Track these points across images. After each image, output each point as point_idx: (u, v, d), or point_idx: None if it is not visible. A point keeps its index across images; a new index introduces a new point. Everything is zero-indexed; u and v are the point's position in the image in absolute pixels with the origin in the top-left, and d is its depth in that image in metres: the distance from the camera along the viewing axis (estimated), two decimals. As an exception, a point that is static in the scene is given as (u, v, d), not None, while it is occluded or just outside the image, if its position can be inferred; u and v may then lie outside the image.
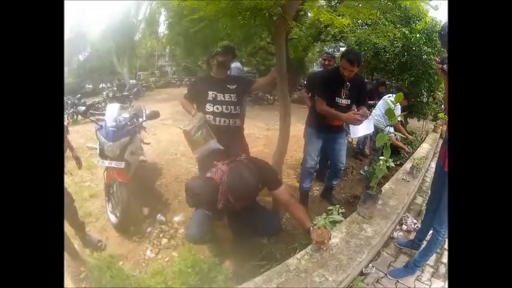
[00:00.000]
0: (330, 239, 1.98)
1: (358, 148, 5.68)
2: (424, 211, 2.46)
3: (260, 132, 7.27)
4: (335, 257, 1.92)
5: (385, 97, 4.64)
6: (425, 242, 2.30)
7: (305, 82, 3.19)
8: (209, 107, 2.76)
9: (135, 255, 2.75)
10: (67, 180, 3.41)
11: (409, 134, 5.46)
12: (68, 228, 2.65)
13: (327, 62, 4.20)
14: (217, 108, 2.76)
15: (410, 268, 2.12)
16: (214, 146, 2.60)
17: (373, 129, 4.73)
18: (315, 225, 2.08)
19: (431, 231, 2.13)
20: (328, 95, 2.95)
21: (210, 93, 2.76)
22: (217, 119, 2.76)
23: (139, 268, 2.57)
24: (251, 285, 1.63)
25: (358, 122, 2.80)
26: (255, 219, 2.31)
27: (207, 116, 2.71)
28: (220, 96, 2.77)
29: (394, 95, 3.95)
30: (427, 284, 2.11)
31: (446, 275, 2.20)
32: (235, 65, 3.64)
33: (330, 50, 15.72)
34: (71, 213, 2.61)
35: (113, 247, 2.82)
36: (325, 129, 3.12)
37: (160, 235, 3.02)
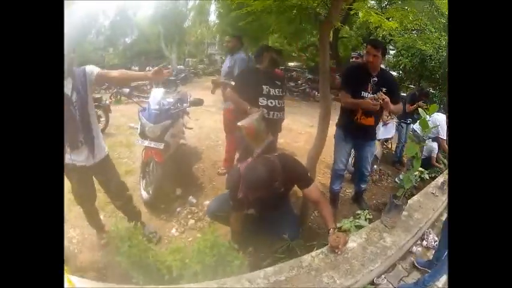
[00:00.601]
0: (345, 244, 2.02)
1: (396, 156, 5.56)
2: (442, 231, 2.40)
3: (303, 128, 7.26)
4: (348, 261, 1.94)
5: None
6: None
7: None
8: (263, 101, 2.85)
9: (160, 232, 2.91)
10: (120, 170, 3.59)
11: None
12: (100, 202, 2.78)
13: (354, 59, 4.17)
14: (271, 103, 2.87)
15: (419, 286, 2.09)
16: (271, 139, 2.69)
17: (393, 134, 4.62)
18: (340, 227, 2.14)
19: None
20: (353, 88, 2.92)
21: (264, 87, 2.85)
22: (271, 112, 2.86)
23: (162, 245, 2.72)
24: (261, 274, 1.70)
25: (373, 106, 2.75)
26: (277, 222, 2.41)
27: (262, 109, 2.79)
28: (272, 91, 2.88)
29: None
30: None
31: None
32: (240, 56, 3.80)
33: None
34: (124, 201, 2.66)
35: (140, 223, 2.98)
36: (355, 130, 3.05)
37: (189, 216, 3.18)
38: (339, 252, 1.98)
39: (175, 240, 2.78)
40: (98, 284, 1.73)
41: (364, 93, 2.89)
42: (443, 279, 2.21)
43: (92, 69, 2.19)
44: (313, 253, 1.99)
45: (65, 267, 1.14)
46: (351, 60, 4.26)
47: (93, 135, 2.24)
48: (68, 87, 2.05)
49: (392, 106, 2.83)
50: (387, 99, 2.72)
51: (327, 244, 2.04)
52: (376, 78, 2.88)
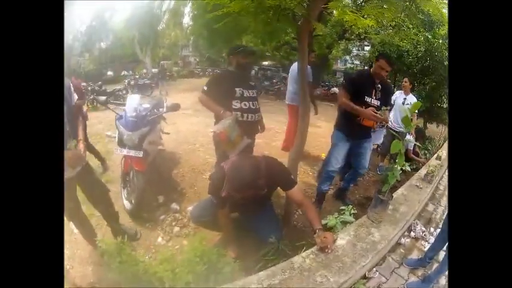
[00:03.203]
0: (334, 242, 2.04)
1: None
2: (440, 230, 2.42)
3: (280, 127, 7.23)
4: (339, 258, 1.94)
5: (399, 104, 4.63)
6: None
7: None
8: (236, 104, 2.81)
9: (146, 242, 2.84)
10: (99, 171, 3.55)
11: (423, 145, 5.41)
12: (90, 215, 2.72)
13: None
14: (244, 105, 2.83)
15: (426, 283, 2.13)
16: (247, 142, 2.67)
17: (381, 140, 4.72)
18: (326, 224, 2.18)
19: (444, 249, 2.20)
20: (357, 91, 2.94)
21: (237, 90, 2.82)
22: (245, 115, 2.83)
23: (149, 254, 2.66)
24: (254, 279, 1.67)
25: (374, 118, 2.82)
26: (259, 222, 2.44)
27: (235, 113, 2.76)
28: (246, 93, 2.86)
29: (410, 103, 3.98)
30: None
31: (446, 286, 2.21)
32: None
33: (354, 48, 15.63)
34: (106, 204, 2.65)
35: (125, 233, 2.90)
36: (356, 131, 3.06)
37: (173, 223, 3.11)
38: (329, 252, 1.98)
39: (163, 249, 2.70)
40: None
41: (367, 98, 2.93)
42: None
43: (74, 94, 2.22)
44: (304, 254, 1.97)
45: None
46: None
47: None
48: None
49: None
50: (386, 118, 2.84)
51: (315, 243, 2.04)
52: (380, 86, 2.96)
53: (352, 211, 2.44)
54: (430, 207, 3.45)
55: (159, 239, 2.89)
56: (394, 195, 2.92)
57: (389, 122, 4.84)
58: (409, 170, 3.06)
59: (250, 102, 2.88)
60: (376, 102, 2.95)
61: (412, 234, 2.76)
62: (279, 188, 2.37)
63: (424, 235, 2.77)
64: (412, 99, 4.67)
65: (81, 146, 2.17)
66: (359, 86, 2.96)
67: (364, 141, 3.19)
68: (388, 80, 4.16)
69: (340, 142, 3.14)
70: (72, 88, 2.18)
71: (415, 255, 2.53)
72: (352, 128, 3.05)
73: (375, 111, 2.79)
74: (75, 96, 2.24)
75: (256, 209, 2.41)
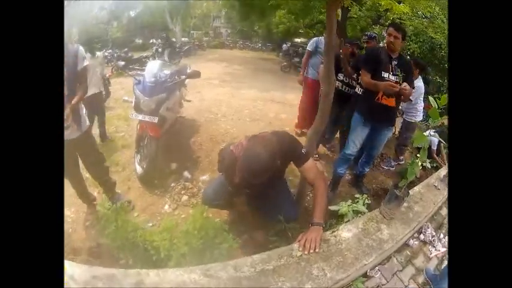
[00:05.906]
0: (312, 250, 1.81)
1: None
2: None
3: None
4: (341, 253, 1.83)
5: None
6: None
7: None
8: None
9: (153, 208, 2.85)
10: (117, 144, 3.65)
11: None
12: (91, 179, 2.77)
13: (365, 44, 4.22)
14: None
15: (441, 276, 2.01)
16: None
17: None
18: (338, 211, 2.15)
19: None
20: (374, 68, 2.90)
21: None
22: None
23: (154, 221, 2.66)
24: (248, 262, 1.60)
25: (390, 89, 2.74)
26: (274, 202, 2.30)
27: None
28: None
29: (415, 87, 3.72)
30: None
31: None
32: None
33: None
34: (102, 173, 2.69)
35: (133, 198, 2.91)
36: (376, 112, 2.94)
37: (182, 192, 3.10)
38: (305, 252, 1.78)
39: (168, 217, 2.69)
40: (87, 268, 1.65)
41: (384, 74, 2.86)
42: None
43: (84, 57, 2.24)
44: (305, 242, 1.88)
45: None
46: (362, 42, 3.97)
47: (79, 107, 2.28)
48: None
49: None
50: (410, 89, 2.75)
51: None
52: (396, 62, 2.88)
53: (366, 201, 2.35)
54: (444, 211, 3.29)
55: (166, 207, 2.89)
56: (411, 192, 2.78)
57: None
58: (429, 167, 2.91)
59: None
60: (393, 78, 2.86)
61: (422, 237, 2.63)
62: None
63: (433, 240, 2.63)
64: (419, 83, 4.38)
65: (68, 111, 2.08)
66: (376, 62, 2.90)
67: (385, 128, 3.08)
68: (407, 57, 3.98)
69: (359, 125, 3.03)
70: (82, 54, 2.21)
71: (420, 260, 2.39)
72: (371, 110, 2.95)
73: (392, 83, 2.73)
74: (85, 62, 2.26)
75: (270, 187, 2.24)
